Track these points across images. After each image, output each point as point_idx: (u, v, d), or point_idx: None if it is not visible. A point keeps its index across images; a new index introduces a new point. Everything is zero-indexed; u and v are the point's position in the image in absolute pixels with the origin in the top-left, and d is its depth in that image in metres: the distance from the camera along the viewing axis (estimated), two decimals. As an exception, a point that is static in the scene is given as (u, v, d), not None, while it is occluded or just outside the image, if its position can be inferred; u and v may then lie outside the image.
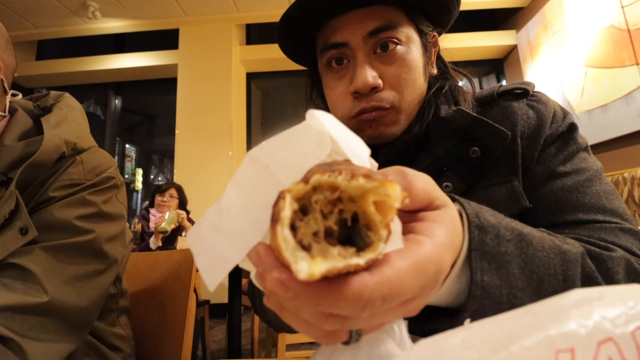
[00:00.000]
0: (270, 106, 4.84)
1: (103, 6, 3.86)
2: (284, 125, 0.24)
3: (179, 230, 2.62)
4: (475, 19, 4.25)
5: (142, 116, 5.17)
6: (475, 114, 0.51)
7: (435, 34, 0.58)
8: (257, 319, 2.31)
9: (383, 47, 0.51)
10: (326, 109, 0.58)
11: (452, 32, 0.61)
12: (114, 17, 4.09)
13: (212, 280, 0.24)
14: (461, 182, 0.50)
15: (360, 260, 0.19)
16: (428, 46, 0.55)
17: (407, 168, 0.26)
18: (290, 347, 2.28)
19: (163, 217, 2.49)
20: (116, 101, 4.83)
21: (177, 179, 3.90)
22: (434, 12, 0.54)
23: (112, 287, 0.74)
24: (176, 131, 4.10)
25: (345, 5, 0.50)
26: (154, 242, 2.50)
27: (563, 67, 3.37)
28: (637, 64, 2.64)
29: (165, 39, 4.35)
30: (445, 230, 0.25)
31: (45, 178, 0.63)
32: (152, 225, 2.60)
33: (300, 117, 0.25)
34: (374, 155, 0.27)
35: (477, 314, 0.30)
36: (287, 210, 0.19)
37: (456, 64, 0.62)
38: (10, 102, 0.69)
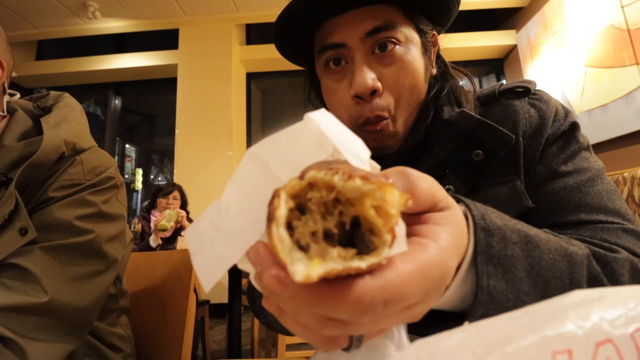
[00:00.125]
0: (270, 106, 4.84)
1: (103, 6, 3.86)
2: (284, 125, 0.23)
3: (179, 230, 2.63)
4: (475, 18, 4.24)
5: (142, 116, 5.17)
6: (479, 117, 0.50)
7: (435, 33, 0.57)
8: (257, 319, 2.31)
9: (381, 47, 0.50)
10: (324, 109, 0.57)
11: (452, 32, 0.61)
12: (113, 17, 4.08)
13: (208, 279, 0.24)
14: (463, 185, 0.50)
15: (362, 263, 0.18)
16: (428, 46, 0.55)
17: (411, 169, 0.25)
18: (290, 347, 2.28)
19: (163, 215, 2.51)
20: (116, 101, 4.83)
21: (177, 179, 3.90)
22: (434, 10, 0.54)
23: (112, 287, 0.74)
24: (176, 131, 4.10)
25: (343, 5, 0.49)
26: (154, 239, 2.52)
27: (563, 67, 3.37)
28: (637, 64, 2.64)
29: (165, 39, 4.35)
30: (450, 233, 0.24)
31: (45, 178, 0.63)
32: (152, 226, 2.61)
33: (300, 117, 0.24)
34: (375, 162, 0.26)
35: (482, 319, 0.30)
36: (283, 208, 0.18)
37: (456, 63, 0.61)
38: (9, 102, 0.69)
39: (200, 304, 2.30)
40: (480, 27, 4.28)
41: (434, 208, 0.26)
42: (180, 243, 2.55)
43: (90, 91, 4.87)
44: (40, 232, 0.59)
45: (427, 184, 0.25)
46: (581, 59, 3.15)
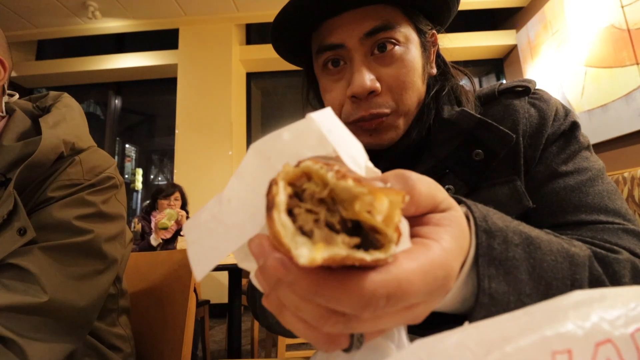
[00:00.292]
0: (270, 106, 4.84)
1: (103, 6, 3.86)
2: (284, 125, 0.23)
3: (179, 230, 2.64)
4: (475, 18, 4.24)
5: (142, 116, 5.17)
6: (479, 116, 0.50)
7: (435, 32, 0.56)
8: (257, 321, 2.31)
9: (381, 48, 0.49)
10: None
11: (452, 32, 0.61)
12: (113, 17, 4.09)
13: (200, 269, 0.24)
14: (464, 185, 0.49)
15: (367, 256, 0.18)
16: (427, 45, 0.54)
17: (410, 171, 0.25)
18: (290, 347, 2.29)
19: (163, 214, 2.53)
20: (116, 101, 4.83)
21: (177, 179, 3.90)
22: (433, 10, 0.53)
23: (112, 287, 0.74)
24: (176, 131, 4.10)
25: (341, 5, 0.49)
26: (154, 238, 2.52)
27: (563, 67, 3.36)
28: (637, 64, 2.63)
29: (165, 39, 4.35)
30: (452, 235, 0.24)
31: (44, 178, 0.63)
32: (153, 226, 2.61)
33: (300, 117, 0.24)
34: (374, 160, 0.26)
35: None
36: (282, 195, 0.18)
37: (456, 63, 0.60)
38: (8, 103, 0.69)
39: (200, 304, 2.31)
40: (480, 27, 4.28)
41: (435, 210, 0.25)
42: (180, 243, 2.55)
43: (90, 91, 4.87)
44: (40, 232, 0.59)
45: (426, 186, 0.25)
46: (581, 59, 3.15)
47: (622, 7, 2.74)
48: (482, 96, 0.55)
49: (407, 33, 0.51)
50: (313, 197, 0.19)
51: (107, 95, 4.79)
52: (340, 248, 0.17)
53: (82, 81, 4.72)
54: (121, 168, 4.81)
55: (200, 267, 0.24)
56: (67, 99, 0.75)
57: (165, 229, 2.50)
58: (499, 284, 0.29)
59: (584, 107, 3.12)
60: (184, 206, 2.82)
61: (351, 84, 0.49)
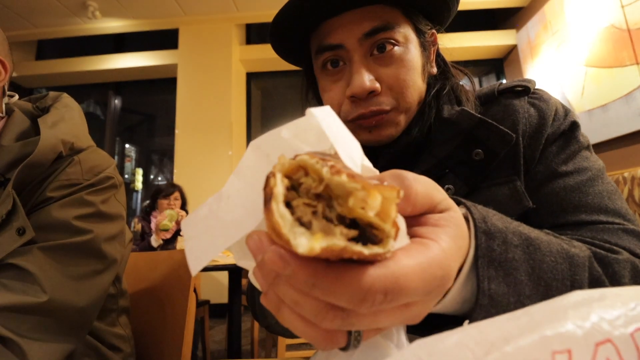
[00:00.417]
0: (270, 106, 4.84)
1: (103, 6, 3.86)
2: (284, 125, 0.23)
3: (179, 230, 2.63)
4: (475, 18, 4.24)
5: (142, 116, 5.17)
6: (479, 115, 0.50)
7: (434, 32, 0.56)
8: (256, 321, 2.31)
9: (380, 48, 0.49)
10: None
11: (452, 32, 0.61)
12: (113, 17, 4.09)
13: (196, 264, 0.24)
14: (463, 185, 0.49)
15: (366, 250, 0.18)
16: (427, 45, 0.54)
17: (406, 171, 0.25)
18: (290, 347, 2.28)
19: (164, 215, 2.52)
20: (116, 101, 4.83)
21: (177, 178, 3.90)
22: (433, 10, 0.53)
23: (111, 287, 0.74)
24: (176, 131, 4.10)
25: (340, 5, 0.49)
26: (155, 239, 2.52)
27: (563, 67, 3.36)
28: (637, 64, 2.63)
29: (165, 39, 4.35)
30: (450, 235, 0.24)
31: (43, 178, 0.63)
32: (153, 227, 2.61)
33: (300, 117, 0.25)
34: (373, 157, 0.26)
35: None
36: (280, 186, 0.18)
37: (456, 63, 0.60)
38: (7, 103, 0.69)
39: (200, 304, 2.31)
40: (480, 27, 4.28)
41: (433, 210, 0.25)
42: (180, 243, 2.55)
43: (90, 91, 4.87)
44: (39, 232, 0.59)
45: (423, 186, 0.25)
46: (581, 59, 3.15)
47: (622, 7, 2.74)
48: (482, 96, 0.55)
49: (406, 33, 0.51)
50: (309, 192, 0.19)
51: (107, 95, 4.79)
52: (339, 239, 0.18)
53: (82, 81, 4.71)
54: (121, 168, 4.81)
55: (196, 261, 0.24)
56: (67, 99, 0.75)
57: (166, 230, 2.50)
58: (499, 285, 0.29)
59: (584, 107, 3.12)
60: (183, 206, 2.82)
61: (350, 85, 0.49)
